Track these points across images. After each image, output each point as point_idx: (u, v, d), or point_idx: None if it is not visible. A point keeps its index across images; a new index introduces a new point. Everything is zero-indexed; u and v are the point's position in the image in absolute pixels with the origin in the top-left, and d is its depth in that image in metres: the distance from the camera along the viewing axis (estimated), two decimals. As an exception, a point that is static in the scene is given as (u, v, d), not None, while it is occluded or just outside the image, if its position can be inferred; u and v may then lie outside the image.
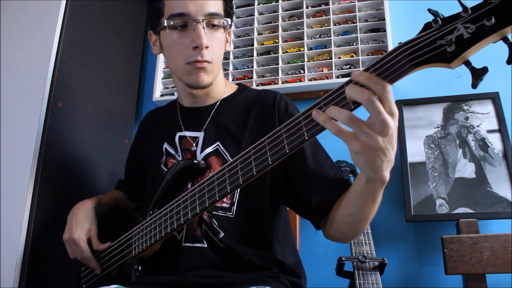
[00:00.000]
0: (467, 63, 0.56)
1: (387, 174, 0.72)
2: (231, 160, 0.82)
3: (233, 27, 1.86)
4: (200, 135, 1.06)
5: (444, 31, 0.56)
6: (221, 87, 1.11)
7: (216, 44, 1.00)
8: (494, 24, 0.52)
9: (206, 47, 0.97)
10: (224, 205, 0.98)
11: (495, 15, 0.51)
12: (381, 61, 0.61)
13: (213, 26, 1.00)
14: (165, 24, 0.98)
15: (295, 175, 0.97)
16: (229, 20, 1.03)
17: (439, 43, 0.56)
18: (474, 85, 0.55)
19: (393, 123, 0.64)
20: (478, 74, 0.54)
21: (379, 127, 0.63)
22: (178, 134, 1.09)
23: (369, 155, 0.66)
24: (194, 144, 1.05)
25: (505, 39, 0.53)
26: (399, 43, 0.61)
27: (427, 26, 0.59)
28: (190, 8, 0.96)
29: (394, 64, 0.60)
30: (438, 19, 0.57)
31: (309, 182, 0.94)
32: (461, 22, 0.55)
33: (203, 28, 0.96)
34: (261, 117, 1.03)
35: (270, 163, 0.72)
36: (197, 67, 0.98)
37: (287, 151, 0.71)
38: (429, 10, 0.58)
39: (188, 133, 1.08)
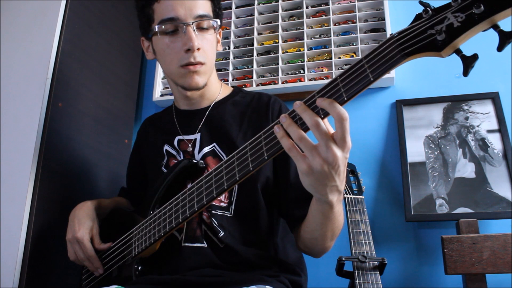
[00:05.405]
0: (458, 52, 0.57)
1: (333, 199, 0.76)
2: None
3: (233, 27, 1.86)
4: (197, 136, 1.07)
5: (434, 21, 0.57)
6: (216, 88, 1.13)
7: (207, 45, 1.02)
8: (483, 12, 0.52)
9: (198, 49, 0.98)
10: (222, 204, 0.99)
11: (484, 3, 0.52)
12: (373, 53, 0.63)
13: (203, 29, 1.01)
14: (156, 29, 1.00)
15: (279, 184, 1.02)
16: (218, 21, 1.04)
17: (430, 33, 0.57)
18: (465, 73, 0.56)
19: (339, 153, 0.67)
20: (469, 61, 0.55)
21: (324, 153, 0.66)
22: (177, 137, 1.10)
23: (314, 177, 0.70)
24: (190, 146, 1.07)
25: (495, 27, 0.53)
26: (390, 34, 0.61)
27: (418, 17, 0.60)
28: (179, 12, 0.98)
29: (386, 55, 0.61)
30: (429, 9, 0.58)
31: (289, 192, 0.99)
32: (451, 12, 0.56)
33: (194, 30, 0.98)
34: (256, 119, 1.04)
35: (266, 158, 0.73)
36: (191, 70, 0.99)
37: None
38: (420, 2, 0.59)
39: (185, 136, 1.09)
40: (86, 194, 1.40)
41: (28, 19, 1.38)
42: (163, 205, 0.93)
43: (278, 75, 1.73)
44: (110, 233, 1.08)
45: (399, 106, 1.57)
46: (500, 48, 0.52)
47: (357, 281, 1.11)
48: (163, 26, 0.99)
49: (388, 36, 1.71)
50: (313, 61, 1.71)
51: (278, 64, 1.75)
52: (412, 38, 0.59)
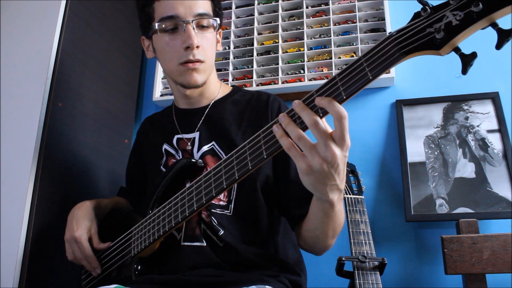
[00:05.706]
0: (457, 50, 0.57)
1: (333, 197, 0.76)
2: None
3: (233, 27, 1.87)
4: (196, 135, 1.07)
5: (433, 19, 0.57)
6: (215, 87, 1.13)
7: (206, 43, 1.02)
8: (482, 10, 0.52)
9: (197, 47, 0.99)
10: (221, 203, 0.99)
11: (482, 1, 0.52)
12: (372, 51, 0.63)
13: (202, 27, 1.02)
14: (156, 27, 1.01)
15: (279, 182, 1.02)
16: (218, 20, 1.05)
17: (428, 31, 0.57)
18: (464, 71, 0.56)
19: (338, 152, 0.66)
20: (467, 60, 0.55)
21: (323, 152, 0.66)
22: (176, 136, 1.10)
23: (313, 176, 0.69)
24: (189, 144, 1.07)
25: (494, 25, 0.53)
26: (389, 33, 0.61)
27: (417, 15, 0.60)
28: (179, 10, 0.99)
29: (384, 53, 0.61)
30: (427, 7, 0.58)
31: (289, 191, 0.99)
32: (450, 10, 0.56)
33: (193, 28, 0.99)
34: (255, 118, 1.05)
35: (265, 157, 0.74)
36: (190, 68, 1.00)
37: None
38: (419, 0, 0.59)
39: (184, 135, 1.09)
40: (86, 194, 1.40)
41: (28, 19, 1.38)
42: (162, 205, 0.93)
43: (278, 75, 1.73)
44: (109, 233, 1.08)
45: (399, 106, 1.57)
46: (498, 46, 0.52)
47: (357, 281, 1.11)
48: (163, 25, 1.00)
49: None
50: (313, 61, 1.71)
51: (278, 64, 1.75)
52: (411, 36, 0.59)
